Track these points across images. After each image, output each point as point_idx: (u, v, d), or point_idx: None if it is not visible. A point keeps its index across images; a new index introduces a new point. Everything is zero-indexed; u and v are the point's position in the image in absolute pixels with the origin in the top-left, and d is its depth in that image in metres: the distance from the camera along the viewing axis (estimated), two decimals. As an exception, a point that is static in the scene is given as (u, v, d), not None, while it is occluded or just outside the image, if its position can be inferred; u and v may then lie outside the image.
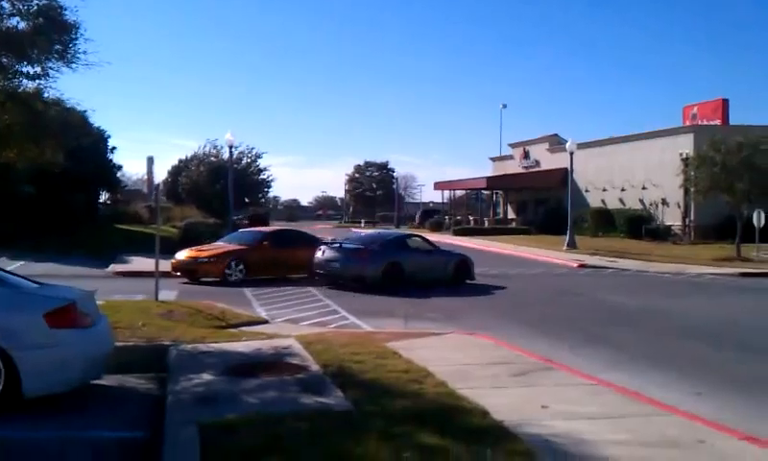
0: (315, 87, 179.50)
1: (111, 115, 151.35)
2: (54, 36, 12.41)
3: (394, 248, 22.60)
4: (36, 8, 12.28)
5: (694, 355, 12.28)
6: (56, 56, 12.54)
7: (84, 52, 12.88)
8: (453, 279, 22.82)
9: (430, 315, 16.33)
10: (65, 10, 12.55)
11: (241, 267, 22.36)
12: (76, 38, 12.69)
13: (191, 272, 22.53)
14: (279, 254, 23.22)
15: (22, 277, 9.18)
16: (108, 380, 9.32)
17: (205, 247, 24.04)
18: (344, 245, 22.29)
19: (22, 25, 12.38)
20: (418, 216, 79.45)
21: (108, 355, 8.80)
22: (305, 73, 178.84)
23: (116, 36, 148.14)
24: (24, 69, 12.73)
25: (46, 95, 13.67)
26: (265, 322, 14.82)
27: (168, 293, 18.57)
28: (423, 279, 21.76)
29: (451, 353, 10.83)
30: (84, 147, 34.16)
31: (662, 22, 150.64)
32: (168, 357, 9.92)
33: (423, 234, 33.69)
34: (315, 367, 9.20)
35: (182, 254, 23.21)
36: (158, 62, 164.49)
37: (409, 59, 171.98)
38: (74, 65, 12.82)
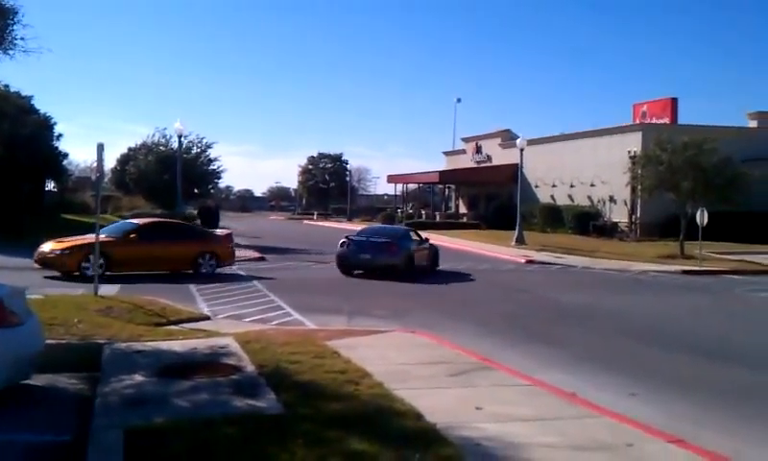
0: (271, 76, 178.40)
1: (63, 101, 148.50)
2: None
3: (408, 240, 25.65)
4: (-29, -7, 11.89)
5: (633, 354, 12.46)
6: (-6, 42, 12.14)
7: (23, 38, 12.52)
8: (432, 267, 26.21)
9: (376, 312, 16.27)
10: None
11: (101, 261, 19.97)
12: (13, 24, 12.29)
13: (51, 265, 20.95)
14: (150, 249, 21.61)
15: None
16: (38, 380, 9.04)
17: (69, 239, 22.25)
18: (371, 239, 25.04)
19: None
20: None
21: (37, 355, 8.54)
22: (262, 62, 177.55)
23: (72, 23, 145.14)
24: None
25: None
26: (207, 318, 14.62)
27: (110, 288, 18.24)
28: (420, 267, 24.98)
29: (391, 353, 10.79)
30: (29, 134, 33.45)
31: (616, 19, 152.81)
32: (102, 356, 9.68)
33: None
34: (250, 367, 9.07)
35: (47, 246, 21.53)
36: (115, 50, 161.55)
37: (366, 50, 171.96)
38: (11, 51, 12.46)
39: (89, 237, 21.47)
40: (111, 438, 6.34)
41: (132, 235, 22.17)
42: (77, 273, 20.31)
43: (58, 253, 20.85)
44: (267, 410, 7.30)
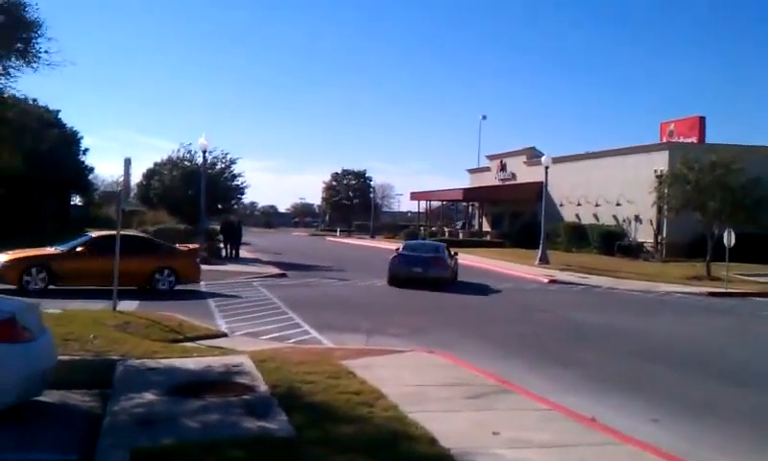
0: (297, 92, 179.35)
1: (90, 115, 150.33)
2: (15, 34, 12.04)
3: (448, 255, 28.49)
4: (-4, 5, 11.95)
5: (655, 378, 12.16)
6: (16, 54, 12.16)
7: (47, 51, 12.57)
8: (456, 278, 28.69)
9: (393, 331, 16.10)
10: (27, 7, 12.21)
11: (43, 275, 19.90)
12: (37, 37, 12.34)
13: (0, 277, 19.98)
14: (100, 263, 19.59)
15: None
16: (50, 397, 9.00)
17: (21, 251, 21.23)
18: (422, 254, 27.52)
19: None
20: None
21: (49, 371, 8.49)
22: (288, 77, 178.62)
23: (100, 37, 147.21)
24: (-17, 68, 12.37)
25: (5, 95, 13.32)
26: (224, 335, 14.53)
27: (130, 302, 18.24)
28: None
29: (408, 373, 10.61)
30: (53, 149, 33.77)
31: (644, 37, 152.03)
32: (114, 373, 9.60)
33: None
34: (263, 387, 8.93)
35: (2, 258, 20.54)
36: (143, 64, 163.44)
37: (391, 67, 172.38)
38: (35, 64, 12.49)
39: (35, 250, 21.24)
40: (116, 459, 6.22)
41: (79, 249, 21.05)
42: (15, 286, 19.43)
43: (3, 265, 20.11)
44: (277, 433, 7.14)
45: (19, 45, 11.96)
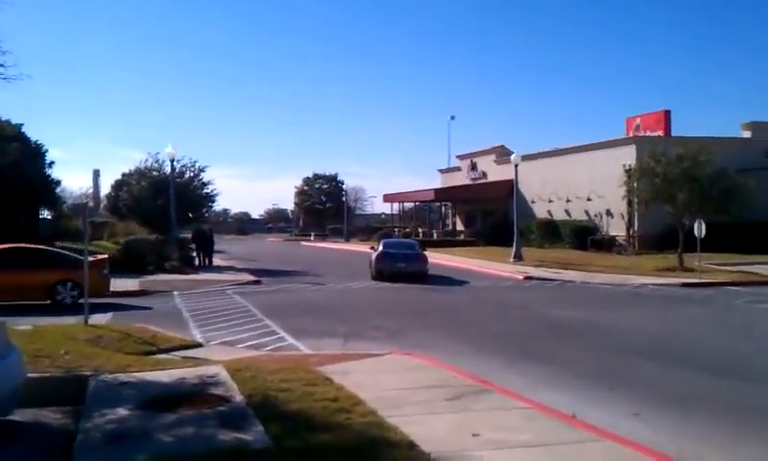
0: (266, 97, 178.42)
1: (57, 128, 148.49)
2: None
3: (422, 251, 32.02)
4: (-52, 20, 11.67)
5: (633, 372, 12.15)
6: (-29, 70, 11.91)
7: (2, 65, 12.29)
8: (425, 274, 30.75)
9: (371, 334, 16.01)
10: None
11: None
12: None
13: None
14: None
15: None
16: (21, 415, 8.77)
17: None
18: (402, 252, 31.06)
19: None
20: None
21: (17, 390, 8.26)
22: (257, 83, 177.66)
23: (68, 49, 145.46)
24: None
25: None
26: (199, 345, 14.37)
27: (102, 315, 17.98)
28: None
29: (386, 377, 10.51)
30: (16, 162, 33.22)
31: (608, 33, 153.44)
32: (87, 389, 9.39)
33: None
34: (239, 397, 8.78)
35: None
36: (112, 76, 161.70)
37: (360, 69, 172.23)
38: None
39: None
40: (89, 478, 6.05)
41: None
42: None
43: None
44: (253, 444, 6.99)
45: (-26, 60, 11.70)
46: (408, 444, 7.07)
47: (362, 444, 6.98)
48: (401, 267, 29.78)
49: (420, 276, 29.59)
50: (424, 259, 30.94)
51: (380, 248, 31.58)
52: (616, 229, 46.88)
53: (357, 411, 8.26)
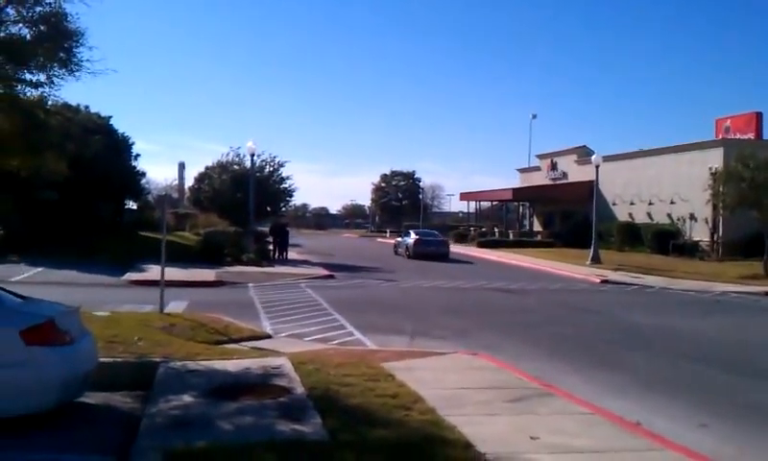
0: (348, 93, 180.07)
1: (146, 120, 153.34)
2: (57, 44, 12.27)
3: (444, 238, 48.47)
4: (38, 15, 12.17)
5: (705, 382, 11.79)
6: (58, 63, 12.40)
7: (89, 60, 12.74)
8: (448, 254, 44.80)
9: (438, 332, 15.99)
10: (68, 17, 12.42)
11: None
12: (78, 46, 12.53)
13: None
14: None
15: (7, 291, 8.96)
16: (93, 398, 9.13)
17: None
18: (433, 239, 46.33)
19: (25, 32, 12.29)
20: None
21: (90, 374, 8.59)
22: (340, 79, 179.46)
23: (157, 45, 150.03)
24: (26, 77, 12.61)
25: (50, 103, 13.59)
26: (268, 336, 14.60)
27: (178, 304, 18.50)
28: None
29: (449, 376, 10.48)
30: (107, 154, 34.47)
31: (698, 32, 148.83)
32: (156, 375, 9.68)
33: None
34: (300, 390, 8.89)
35: None
36: (199, 70, 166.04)
37: (441, 67, 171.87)
38: (77, 73, 12.68)
39: None
40: (151, 460, 6.24)
41: None
42: None
43: None
44: (310, 436, 7.09)
45: (61, 54, 12.17)
46: (464, 443, 7.04)
47: (418, 441, 6.97)
48: (432, 250, 43.71)
49: (442, 256, 43.49)
50: (446, 244, 46.39)
51: (414, 236, 45.94)
52: (700, 234, 45.48)
53: (416, 408, 8.26)
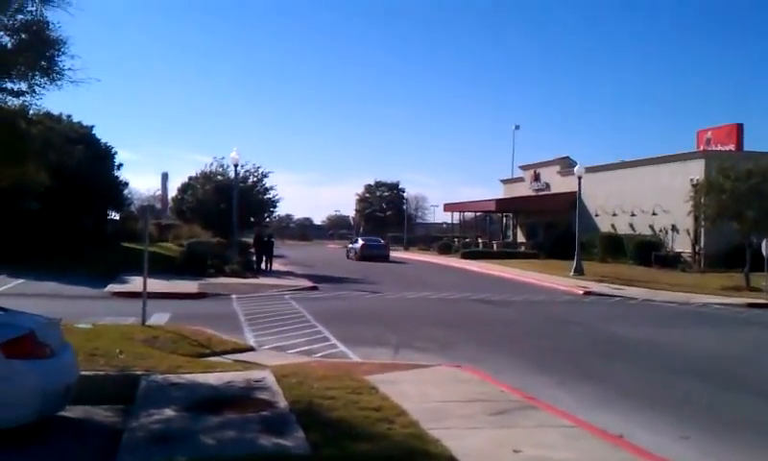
0: (331, 104, 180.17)
1: (128, 131, 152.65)
2: (38, 52, 12.18)
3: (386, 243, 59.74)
4: (20, 23, 12.07)
5: (688, 394, 11.83)
6: (40, 72, 12.31)
7: (71, 69, 12.64)
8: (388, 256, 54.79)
9: (422, 344, 15.98)
10: (50, 25, 12.33)
11: None
12: (60, 54, 12.44)
13: None
14: None
15: (-13, 304, 8.87)
16: (74, 412, 9.04)
17: None
18: (374, 243, 57.67)
19: (6, 40, 12.19)
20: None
21: (71, 387, 8.50)
22: (323, 91, 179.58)
23: (139, 56, 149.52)
24: (7, 86, 12.49)
25: (31, 112, 13.49)
26: (251, 349, 14.53)
27: (161, 316, 18.39)
28: None
29: (432, 389, 10.47)
30: (89, 164, 34.28)
31: (679, 45, 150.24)
32: (137, 389, 9.60)
33: (431, 258, 56.42)
34: (283, 403, 8.85)
35: None
36: (182, 80, 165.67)
37: (424, 79, 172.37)
38: (59, 82, 12.57)
39: None
40: (131, 477, 6.19)
41: None
42: None
43: None
44: (292, 450, 7.05)
45: (43, 63, 12.07)
46: (448, 457, 7.03)
47: (400, 455, 6.96)
48: (374, 252, 53.79)
49: (384, 257, 53.30)
50: (387, 248, 57.60)
51: (361, 242, 57.60)
52: (682, 245, 45.84)
53: (399, 422, 8.24)
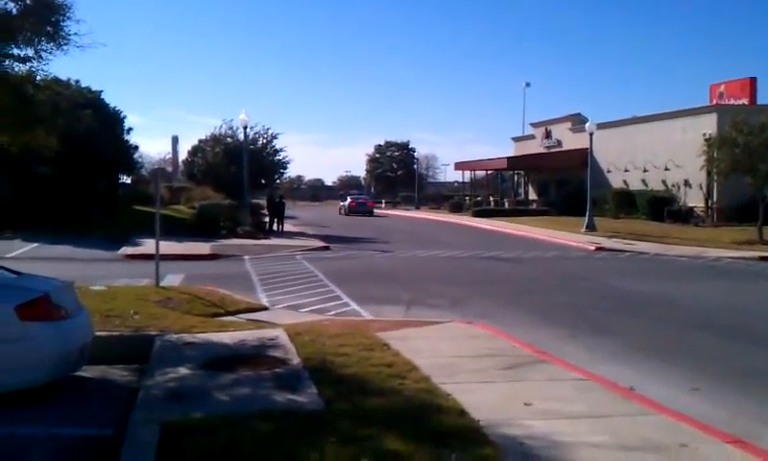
0: (342, 66, 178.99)
1: (139, 95, 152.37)
2: (43, 18, 12.15)
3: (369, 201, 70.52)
4: (24, -11, 12.04)
5: (699, 347, 11.87)
6: (46, 37, 12.29)
7: (76, 33, 12.63)
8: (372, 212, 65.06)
9: (434, 301, 16.06)
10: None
11: None
12: (65, 19, 12.40)
13: None
14: None
15: (1, 267, 8.96)
16: (90, 372, 9.19)
17: None
18: (360, 200, 67.18)
19: (11, 6, 12.16)
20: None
21: (86, 348, 8.63)
22: (333, 52, 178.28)
23: (148, 19, 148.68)
24: (14, 51, 12.49)
25: (38, 78, 13.51)
26: (264, 308, 14.63)
27: (174, 277, 18.57)
28: None
29: (444, 344, 10.55)
30: (99, 128, 34.32)
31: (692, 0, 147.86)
32: (152, 348, 9.73)
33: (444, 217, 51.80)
34: (296, 360, 8.95)
35: None
36: (192, 43, 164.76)
37: (434, 36, 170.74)
38: (65, 47, 12.56)
39: None
40: (147, 432, 6.30)
41: None
42: None
43: None
44: (306, 406, 7.15)
45: (48, 28, 12.04)
46: (458, 411, 7.10)
47: (413, 409, 7.04)
48: (360, 209, 63.74)
49: (368, 213, 63.42)
50: (371, 205, 67.55)
51: (349, 199, 67.06)
52: (694, 200, 45.57)
53: (411, 377, 8.33)
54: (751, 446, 6.42)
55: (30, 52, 12.62)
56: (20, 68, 12.94)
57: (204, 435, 6.16)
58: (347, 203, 66.62)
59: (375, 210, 69.22)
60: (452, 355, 9.79)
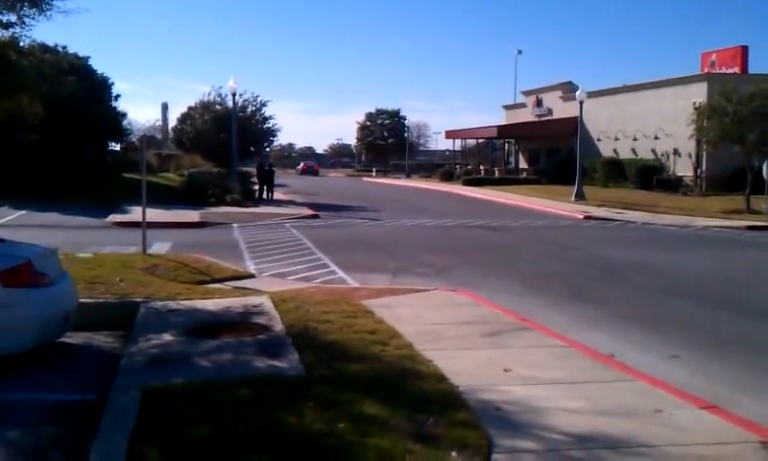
0: (331, 33, 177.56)
1: (128, 61, 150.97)
2: None
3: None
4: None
5: (680, 314, 11.99)
6: (28, 3, 12.15)
7: None
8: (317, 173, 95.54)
9: (420, 269, 16.12)
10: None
11: None
12: None
13: None
14: None
15: (-15, 234, 8.96)
16: (75, 338, 9.23)
17: None
18: (310, 165, 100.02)
19: None
20: None
21: (70, 314, 8.66)
22: (323, 19, 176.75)
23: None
24: (-5, 17, 12.35)
25: (22, 44, 13.38)
26: (251, 276, 14.65)
27: (162, 245, 18.56)
28: None
29: (428, 312, 10.62)
30: (86, 95, 34.04)
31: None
32: (137, 315, 9.77)
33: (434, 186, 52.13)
34: (279, 327, 9.01)
35: None
36: (175, 8, 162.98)
37: (426, 3, 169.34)
38: (48, 12, 12.43)
39: None
40: (128, 398, 6.36)
41: None
42: None
43: None
44: (286, 371, 7.22)
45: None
46: (438, 376, 7.18)
47: (393, 375, 7.11)
48: (309, 171, 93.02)
49: (315, 173, 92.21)
50: (317, 168, 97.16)
51: (303, 164, 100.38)
52: (683, 169, 45.72)
53: (393, 344, 8.40)
54: (725, 412, 6.52)
55: (12, 17, 12.49)
56: (2, 34, 12.81)
57: (184, 401, 6.22)
58: (300, 166, 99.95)
59: (365, 179, 68.92)
60: (435, 323, 9.87)
